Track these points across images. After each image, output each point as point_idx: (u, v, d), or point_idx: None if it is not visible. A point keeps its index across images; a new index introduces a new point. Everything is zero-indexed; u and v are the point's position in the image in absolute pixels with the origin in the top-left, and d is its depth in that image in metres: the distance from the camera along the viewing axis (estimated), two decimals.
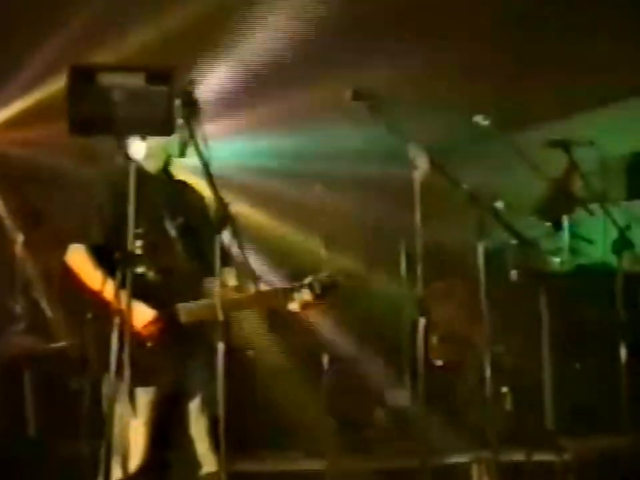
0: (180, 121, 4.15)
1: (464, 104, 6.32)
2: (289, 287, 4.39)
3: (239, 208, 7.93)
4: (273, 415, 6.59)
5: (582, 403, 6.13)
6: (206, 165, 4.05)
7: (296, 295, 4.33)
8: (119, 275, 3.73)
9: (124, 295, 3.82)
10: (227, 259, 4.36)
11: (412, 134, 4.43)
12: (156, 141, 4.31)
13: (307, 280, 4.36)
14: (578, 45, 6.80)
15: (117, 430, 4.13)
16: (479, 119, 5.59)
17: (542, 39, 6.72)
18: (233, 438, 6.24)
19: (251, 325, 6.84)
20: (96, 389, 4.23)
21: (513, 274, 6.79)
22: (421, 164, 4.21)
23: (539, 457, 5.54)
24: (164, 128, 3.68)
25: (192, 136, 4.17)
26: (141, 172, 4.27)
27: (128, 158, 3.76)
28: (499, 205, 7.12)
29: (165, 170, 4.46)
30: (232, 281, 4.45)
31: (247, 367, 6.84)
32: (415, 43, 6.58)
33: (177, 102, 4.15)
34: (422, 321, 4.33)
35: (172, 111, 3.69)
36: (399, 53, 6.60)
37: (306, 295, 4.33)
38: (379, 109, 4.33)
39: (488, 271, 6.22)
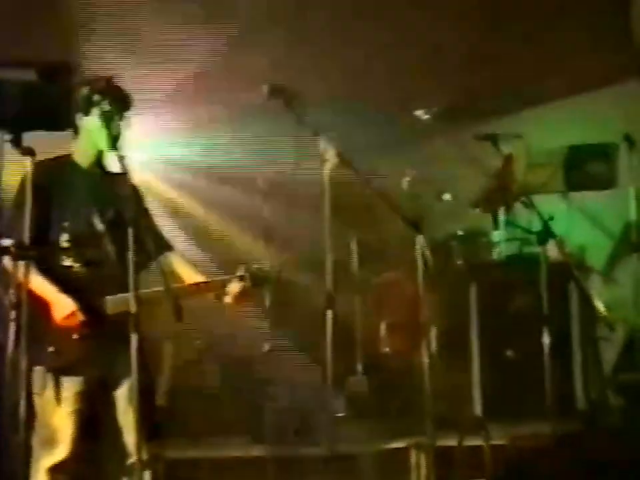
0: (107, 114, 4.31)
1: (405, 98, 6.45)
2: (220, 279, 4.50)
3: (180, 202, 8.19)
4: (217, 402, 6.72)
5: (509, 390, 6.27)
6: (122, 159, 4.20)
7: (228, 287, 4.45)
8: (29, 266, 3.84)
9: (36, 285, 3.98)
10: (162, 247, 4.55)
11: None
12: (85, 135, 4.38)
13: (239, 272, 4.46)
14: (524, 40, 6.92)
15: (43, 419, 4.28)
16: (420, 113, 5.71)
17: (487, 35, 6.82)
18: (176, 425, 6.44)
19: (200, 315, 6.94)
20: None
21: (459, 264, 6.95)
22: (330, 157, 4.31)
23: (469, 442, 5.65)
24: (58, 123, 3.75)
25: (109, 128, 4.32)
26: (71, 165, 4.45)
27: (23, 153, 3.82)
28: (447, 197, 7.30)
29: (98, 163, 4.49)
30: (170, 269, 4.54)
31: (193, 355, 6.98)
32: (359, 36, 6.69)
33: (97, 96, 4.34)
34: (329, 314, 4.43)
35: (67, 105, 3.77)
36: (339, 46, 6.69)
37: (237, 286, 4.45)
38: (294, 104, 4.44)
39: (434, 262, 6.37)
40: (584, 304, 6.46)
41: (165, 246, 4.62)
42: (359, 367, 7.57)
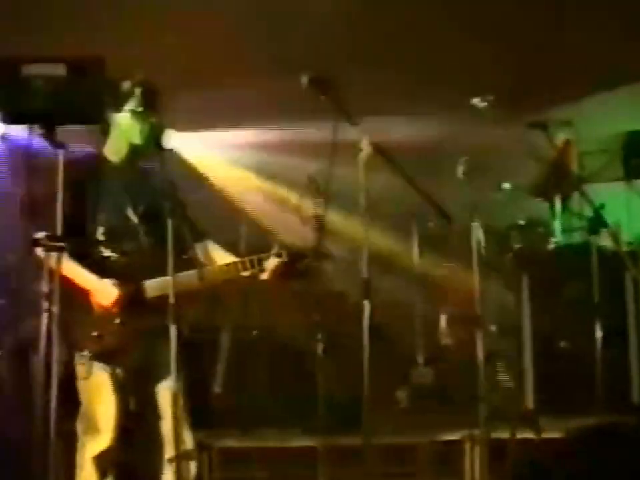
0: (138, 109, 4.41)
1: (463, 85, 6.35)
2: (256, 256, 4.50)
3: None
4: (271, 392, 6.75)
5: (563, 382, 6.17)
6: (161, 151, 4.27)
7: (265, 264, 4.47)
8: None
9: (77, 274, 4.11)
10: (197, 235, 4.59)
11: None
12: (118, 130, 4.47)
13: (275, 249, 4.48)
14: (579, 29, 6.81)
15: (87, 406, 4.37)
16: (477, 101, 5.63)
17: (545, 21, 6.74)
18: (227, 414, 6.49)
19: (257, 304, 6.98)
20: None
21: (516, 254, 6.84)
22: (364, 146, 4.30)
23: (521, 435, 5.58)
24: (89, 117, 3.83)
25: (150, 123, 4.42)
26: (103, 161, 4.55)
27: (56, 146, 3.87)
28: (506, 186, 7.20)
29: (129, 158, 4.56)
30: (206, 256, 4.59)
31: (248, 345, 7.02)
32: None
33: (138, 91, 4.42)
34: (367, 304, 4.41)
35: (98, 100, 3.83)
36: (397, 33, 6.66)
37: (274, 262, 4.46)
38: (332, 94, 4.44)
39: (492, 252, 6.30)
40: None
41: (199, 235, 4.65)
42: (420, 359, 7.55)
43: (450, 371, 7.20)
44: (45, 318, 3.78)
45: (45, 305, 3.79)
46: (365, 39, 6.71)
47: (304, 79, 4.48)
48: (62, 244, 3.81)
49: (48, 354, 3.75)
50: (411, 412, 7.11)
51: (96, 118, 3.96)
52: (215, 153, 8.70)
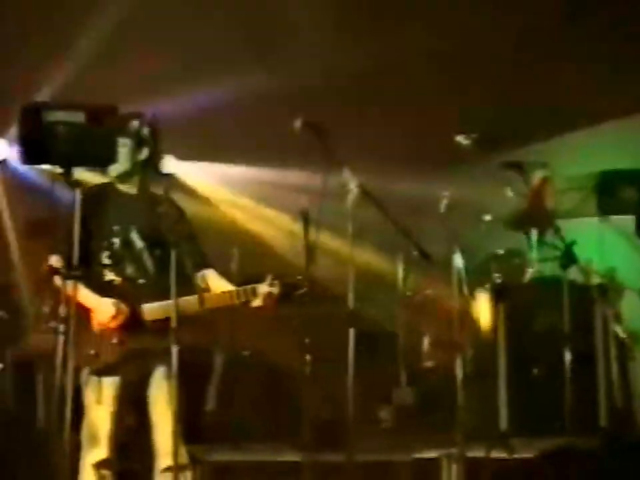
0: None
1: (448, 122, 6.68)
2: (250, 286, 4.74)
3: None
4: (260, 410, 7.06)
5: (533, 406, 6.51)
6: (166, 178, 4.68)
7: (258, 290, 4.72)
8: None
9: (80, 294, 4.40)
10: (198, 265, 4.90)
11: None
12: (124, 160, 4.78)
13: (268, 280, 4.73)
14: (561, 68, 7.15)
15: (87, 419, 4.67)
16: (461, 138, 5.96)
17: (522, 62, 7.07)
18: (215, 429, 6.79)
19: (249, 325, 7.26)
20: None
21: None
22: (352, 189, 4.65)
23: (495, 454, 5.90)
24: (102, 161, 4.25)
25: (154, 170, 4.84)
26: (111, 190, 4.88)
27: (70, 184, 4.23)
28: (487, 217, 7.53)
29: (138, 185, 4.89)
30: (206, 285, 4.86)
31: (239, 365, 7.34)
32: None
33: (146, 130, 4.80)
34: (351, 332, 4.73)
35: (110, 144, 4.24)
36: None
37: (267, 288, 4.71)
38: (325, 137, 4.77)
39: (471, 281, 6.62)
40: (610, 325, 6.65)
41: (202, 264, 4.94)
42: (403, 379, 7.85)
43: (430, 392, 7.49)
44: (61, 340, 4.12)
45: (62, 327, 4.14)
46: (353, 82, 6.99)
47: (297, 122, 4.81)
48: (78, 273, 4.16)
49: (62, 371, 4.10)
50: (393, 431, 7.41)
51: (108, 160, 4.36)
52: (212, 181, 9.07)
